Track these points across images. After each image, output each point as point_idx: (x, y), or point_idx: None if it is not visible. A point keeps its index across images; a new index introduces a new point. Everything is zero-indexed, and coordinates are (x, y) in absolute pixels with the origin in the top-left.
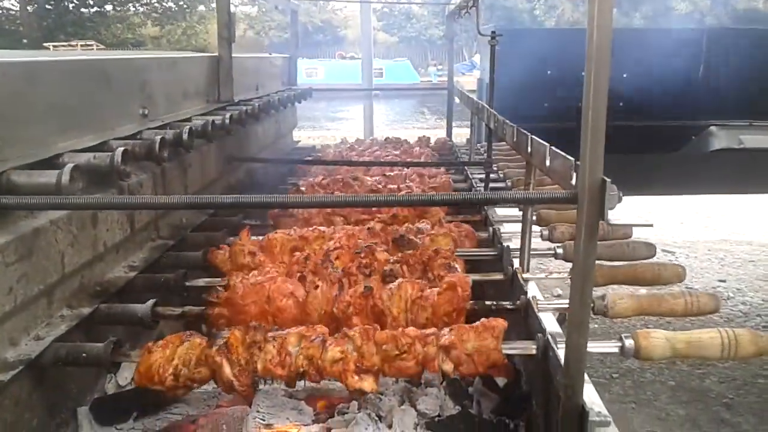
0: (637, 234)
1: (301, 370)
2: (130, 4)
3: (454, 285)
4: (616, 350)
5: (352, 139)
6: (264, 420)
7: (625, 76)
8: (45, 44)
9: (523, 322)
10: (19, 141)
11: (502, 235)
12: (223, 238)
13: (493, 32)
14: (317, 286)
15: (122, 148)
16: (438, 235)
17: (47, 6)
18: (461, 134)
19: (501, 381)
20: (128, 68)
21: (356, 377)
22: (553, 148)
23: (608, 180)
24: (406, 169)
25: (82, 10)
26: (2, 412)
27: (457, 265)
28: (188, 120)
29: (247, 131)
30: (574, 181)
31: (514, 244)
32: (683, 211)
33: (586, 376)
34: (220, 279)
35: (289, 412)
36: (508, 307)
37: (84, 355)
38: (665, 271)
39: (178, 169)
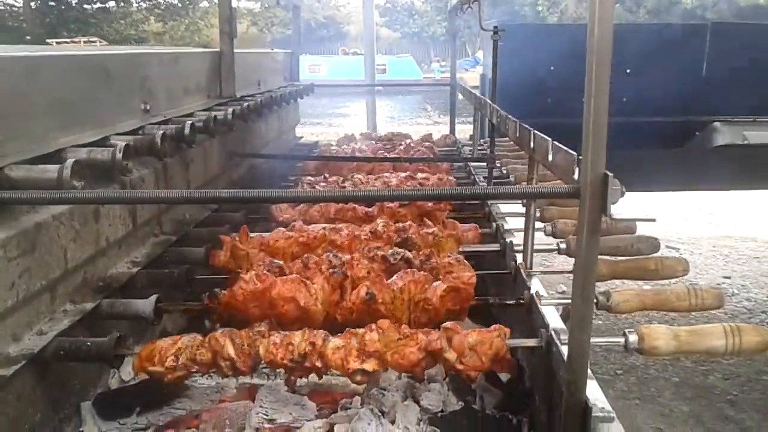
0: (641, 230)
1: (303, 352)
2: (133, 0)
3: (458, 288)
4: (620, 346)
5: (357, 135)
6: (267, 415)
7: (628, 71)
8: (48, 41)
9: (527, 318)
10: (20, 136)
11: (505, 231)
12: (226, 234)
13: (495, 27)
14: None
15: (124, 143)
16: (443, 237)
17: (50, 2)
18: (464, 130)
19: (504, 377)
20: (130, 64)
21: (358, 361)
22: (555, 143)
23: (611, 174)
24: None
25: (85, 6)
26: (5, 407)
27: (461, 258)
28: (190, 115)
29: (249, 127)
30: (576, 176)
31: (517, 240)
32: (687, 207)
33: (589, 372)
34: (222, 275)
35: (292, 408)
36: (511, 303)
37: (87, 349)
38: (668, 265)
39: (180, 164)
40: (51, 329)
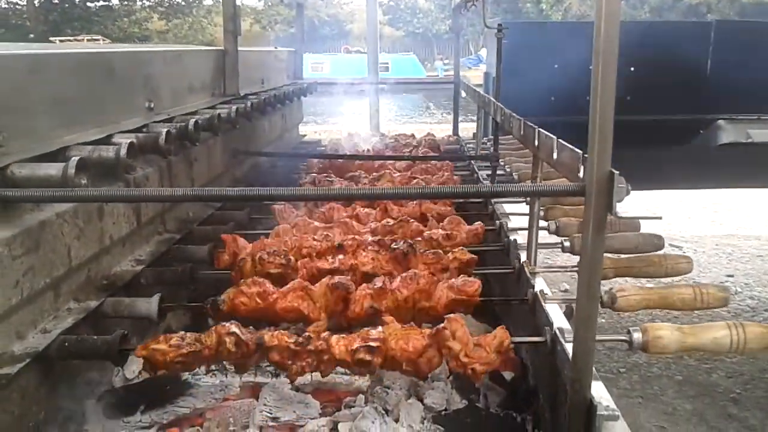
0: (645, 229)
1: (308, 335)
2: None
3: (463, 300)
4: (624, 344)
5: (360, 133)
6: (271, 413)
7: (632, 69)
8: (51, 39)
9: (531, 316)
10: (24, 134)
11: (509, 229)
12: (230, 232)
13: (499, 24)
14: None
15: (128, 141)
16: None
17: (53, 0)
18: (467, 128)
19: (508, 375)
20: (133, 62)
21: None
22: (560, 140)
23: (616, 172)
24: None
25: (89, 4)
26: (10, 405)
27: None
28: (194, 113)
29: (253, 125)
30: (581, 174)
31: (520, 239)
32: (691, 205)
33: (593, 370)
34: (227, 272)
35: (296, 406)
36: (515, 301)
37: (91, 347)
38: (672, 263)
39: (184, 162)
40: (55, 327)
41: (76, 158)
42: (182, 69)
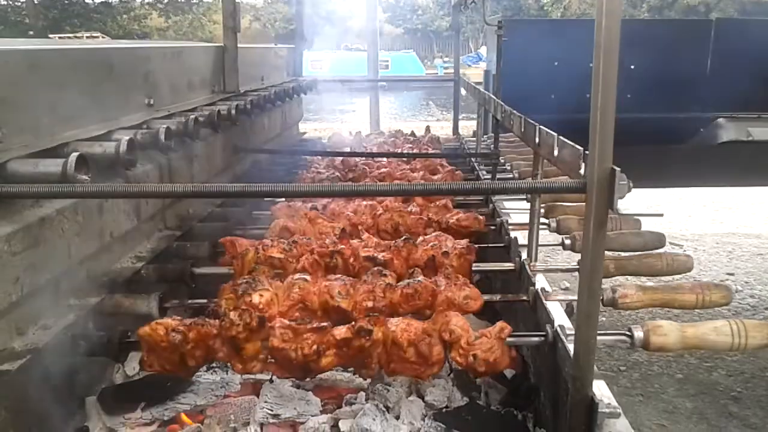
0: (645, 227)
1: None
2: None
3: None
4: (626, 342)
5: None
6: (272, 410)
7: (632, 67)
8: (50, 35)
9: (532, 314)
10: (23, 130)
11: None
12: (231, 229)
13: (499, 22)
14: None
15: (127, 137)
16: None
17: None
18: (466, 126)
19: (509, 373)
20: (133, 58)
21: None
22: (561, 138)
23: (618, 169)
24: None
25: (87, 1)
26: (10, 402)
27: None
28: (194, 110)
29: (253, 122)
30: (582, 171)
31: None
32: (691, 203)
33: (595, 368)
34: (226, 269)
35: (297, 403)
36: (516, 298)
37: (91, 343)
38: (673, 261)
39: (184, 159)
40: (55, 324)
41: (76, 154)
42: (182, 66)
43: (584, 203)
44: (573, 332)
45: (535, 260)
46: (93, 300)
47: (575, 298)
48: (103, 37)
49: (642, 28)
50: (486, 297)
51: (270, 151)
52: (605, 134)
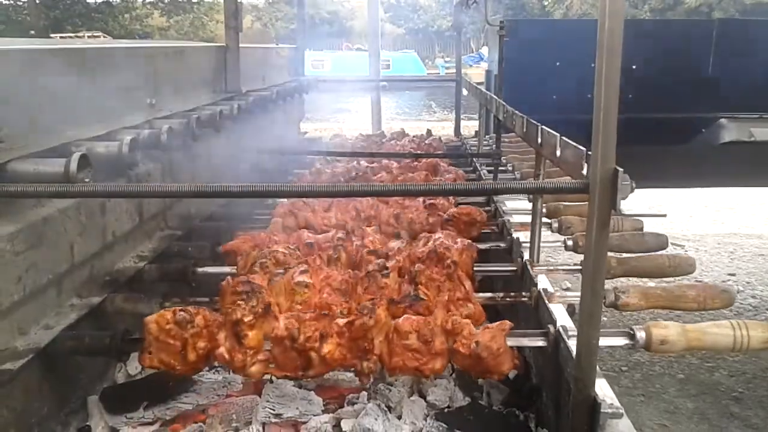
0: (648, 227)
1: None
2: None
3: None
4: (628, 343)
5: (364, 132)
6: (273, 410)
7: (634, 67)
8: (52, 35)
9: (534, 314)
10: (26, 130)
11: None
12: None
13: (501, 22)
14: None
15: (130, 137)
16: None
17: None
18: (468, 127)
19: (511, 373)
20: (135, 58)
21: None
22: (564, 138)
23: (620, 169)
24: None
25: (89, 0)
26: (12, 401)
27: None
28: (196, 110)
29: (254, 122)
30: (585, 171)
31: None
32: (692, 204)
33: (597, 368)
34: (228, 268)
35: (299, 402)
36: (519, 299)
37: (93, 343)
38: (675, 262)
39: (186, 159)
40: (58, 323)
41: (78, 154)
42: (184, 66)
43: (586, 203)
44: (575, 333)
45: (538, 260)
46: (95, 299)
47: (578, 296)
48: (104, 37)
49: (644, 28)
50: (488, 295)
51: (270, 150)
52: (608, 134)
